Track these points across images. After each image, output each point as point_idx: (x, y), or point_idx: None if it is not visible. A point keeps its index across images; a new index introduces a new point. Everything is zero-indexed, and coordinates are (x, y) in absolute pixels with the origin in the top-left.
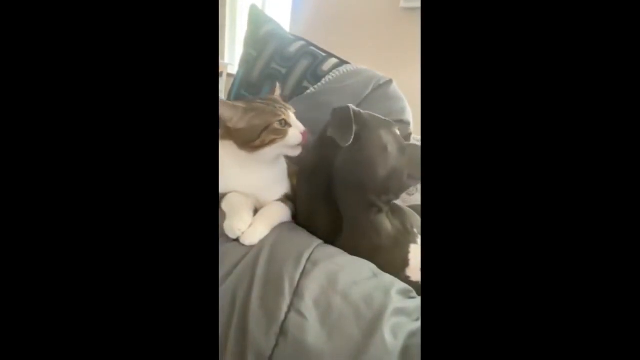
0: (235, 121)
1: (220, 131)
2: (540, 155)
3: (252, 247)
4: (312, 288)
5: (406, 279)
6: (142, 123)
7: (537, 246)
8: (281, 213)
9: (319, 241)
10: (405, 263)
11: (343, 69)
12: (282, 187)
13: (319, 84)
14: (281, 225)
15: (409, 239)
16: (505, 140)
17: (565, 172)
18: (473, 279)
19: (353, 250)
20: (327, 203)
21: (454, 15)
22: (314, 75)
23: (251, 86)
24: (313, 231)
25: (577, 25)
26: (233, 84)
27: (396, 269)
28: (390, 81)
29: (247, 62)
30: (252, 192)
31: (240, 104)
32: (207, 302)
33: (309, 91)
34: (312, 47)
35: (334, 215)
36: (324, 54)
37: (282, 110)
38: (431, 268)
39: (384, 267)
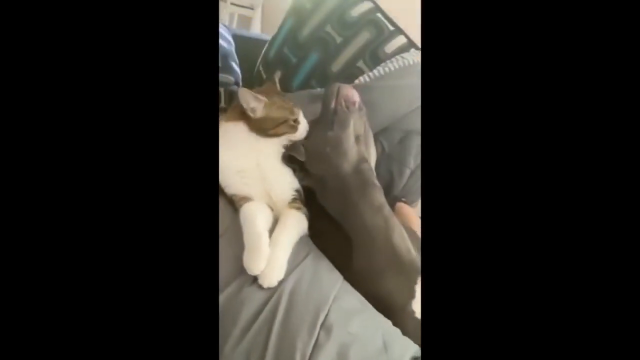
0: (256, 112)
1: (233, 113)
2: (543, 155)
3: (269, 296)
4: None
5: (411, 314)
6: (140, 117)
7: (539, 259)
8: (296, 230)
9: (337, 286)
10: (411, 294)
11: (408, 57)
12: (289, 174)
13: (375, 72)
14: (301, 264)
15: (418, 269)
16: (505, 142)
17: (564, 177)
18: (475, 287)
19: (365, 271)
20: (329, 222)
21: (455, 16)
22: (373, 56)
23: (297, 47)
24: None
25: (577, 25)
26: (276, 36)
27: (403, 299)
28: None
29: (299, 14)
30: (261, 175)
31: (263, 98)
32: (207, 296)
33: (358, 81)
34: (379, 15)
35: (340, 232)
36: (391, 28)
37: (296, 110)
38: (432, 268)
39: (391, 294)
